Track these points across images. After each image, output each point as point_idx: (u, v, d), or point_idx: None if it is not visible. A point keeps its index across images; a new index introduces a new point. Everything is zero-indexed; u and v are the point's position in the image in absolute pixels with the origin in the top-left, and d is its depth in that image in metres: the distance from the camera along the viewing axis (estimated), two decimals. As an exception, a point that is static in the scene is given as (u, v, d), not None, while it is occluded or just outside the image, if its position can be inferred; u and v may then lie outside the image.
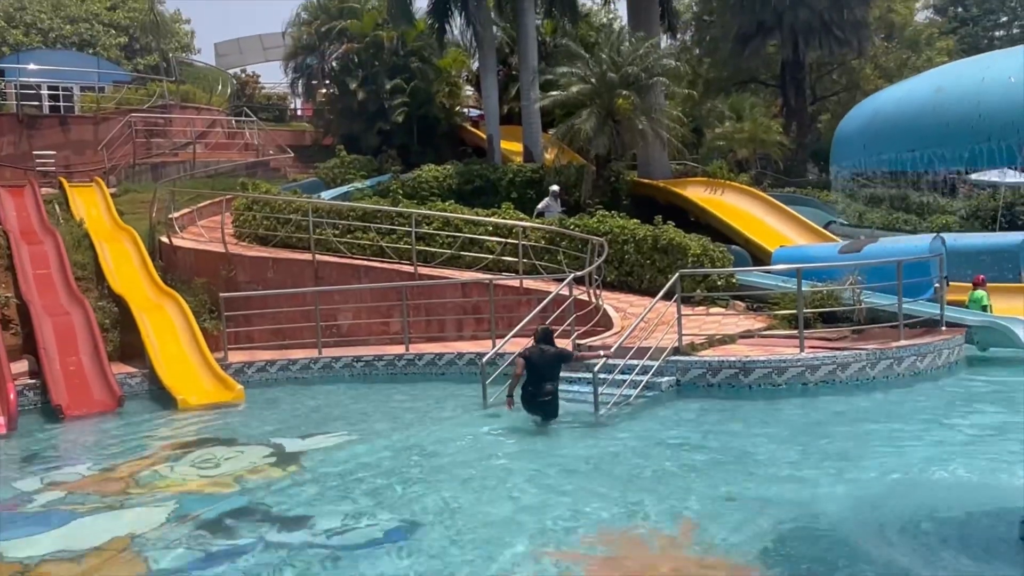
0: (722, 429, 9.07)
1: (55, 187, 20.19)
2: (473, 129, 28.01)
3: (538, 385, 9.52)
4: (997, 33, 47.77)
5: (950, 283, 13.41)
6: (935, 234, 14.61)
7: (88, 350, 13.07)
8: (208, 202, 19.04)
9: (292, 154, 25.80)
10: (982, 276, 13.87)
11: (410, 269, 15.16)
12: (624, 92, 19.01)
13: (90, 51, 35.22)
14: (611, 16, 33.87)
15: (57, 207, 18.57)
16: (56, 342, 13.13)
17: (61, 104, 26.43)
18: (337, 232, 16.17)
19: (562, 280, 12.92)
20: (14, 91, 24.86)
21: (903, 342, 11.13)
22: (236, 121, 27.85)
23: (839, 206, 22.45)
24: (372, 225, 16.09)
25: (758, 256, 17.18)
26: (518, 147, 23.82)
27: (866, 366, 10.60)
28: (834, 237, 18.46)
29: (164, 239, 16.91)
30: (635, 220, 16.08)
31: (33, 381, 12.53)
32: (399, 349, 13.63)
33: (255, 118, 27.58)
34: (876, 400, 9.99)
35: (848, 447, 8.13)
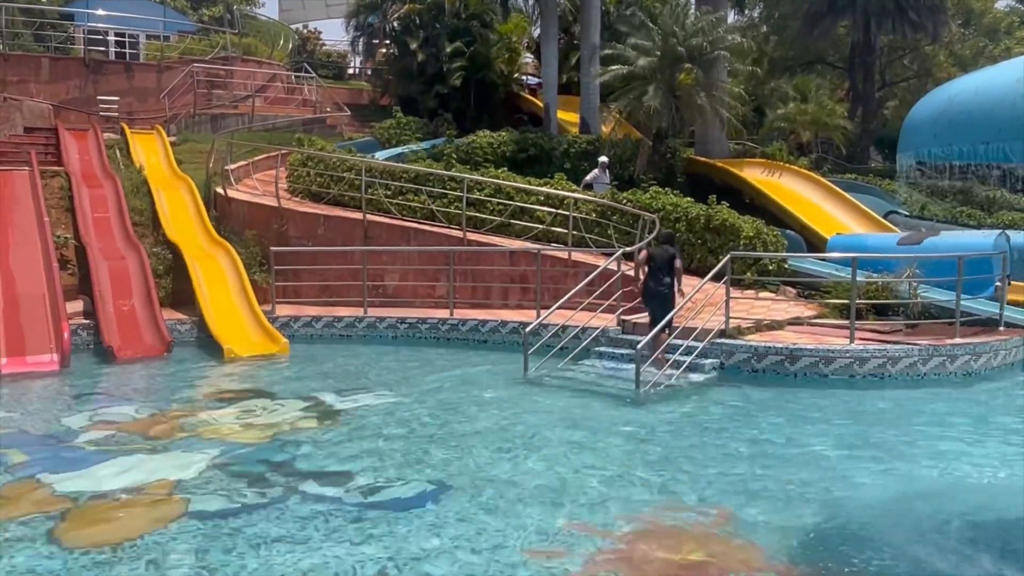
0: (764, 416, 8.94)
1: (117, 132, 20.54)
2: (530, 97, 27.77)
3: (657, 279, 10.83)
4: (1082, 25, 45.77)
5: (1012, 282, 12.99)
6: (1000, 231, 14.13)
7: (141, 295, 13.37)
8: (264, 156, 19.20)
9: (349, 112, 25.85)
10: None
11: (459, 234, 15.15)
12: (687, 66, 18.63)
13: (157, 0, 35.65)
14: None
15: (118, 152, 18.90)
16: (111, 285, 13.44)
17: (127, 51, 26.84)
18: (389, 193, 16.21)
19: (611, 255, 12.81)
20: (82, 36, 25.27)
21: (958, 340, 10.83)
22: (296, 77, 27.98)
23: (901, 196, 21.85)
24: (424, 188, 16.10)
25: (813, 243, 16.82)
26: (574, 117, 23.58)
27: (917, 362, 10.35)
28: (893, 228, 17.98)
29: (219, 190, 17.12)
30: (689, 198, 15.83)
31: (87, 322, 12.88)
32: (443, 313, 13.69)
33: (314, 75, 27.69)
34: (925, 397, 9.74)
35: (891, 443, 7.95)
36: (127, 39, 27.22)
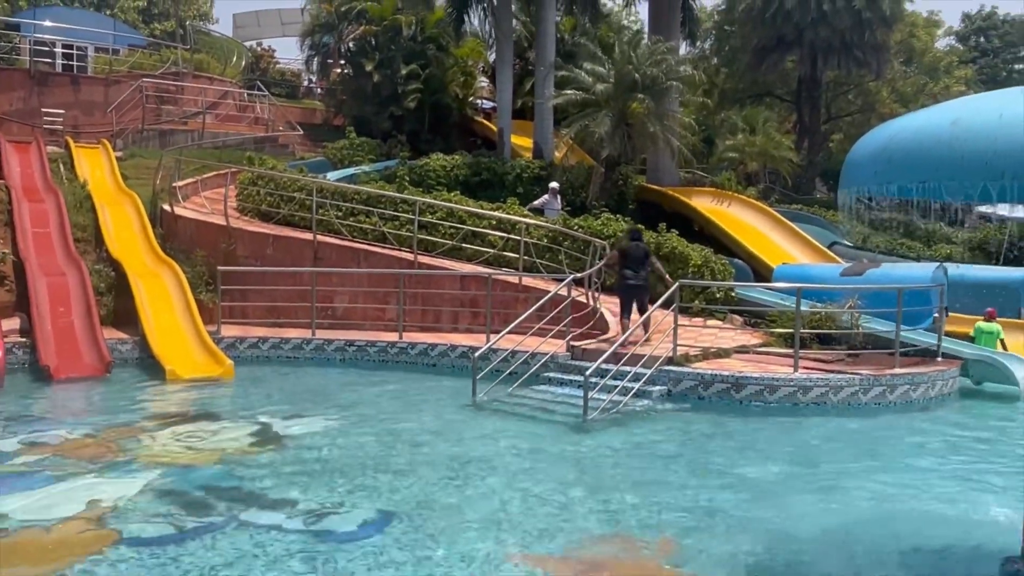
0: (709, 443, 9.03)
1: (61, 146, 20.08)
2: (484, 121, 27.91)
3: (633, 271, 11.98)
4: (1017, 66, 47.74)
5: (949, 314, 13.36)
6: (938, 263, 14.56)
7: (81, 313, 13.02)
8: (213, 173, 18.94)
9: (301, 132, 25.68)
10: (994, 309, 13.83)
11: (410, 257, 15.10)
12: (639, 95, 18.92)
13: (108, 12, 35.10)
14: (632, 19, 33.84)
15: (61, 166, 18.46)
16: (49, 302, 13.07)
17: (74, 63, 26.29)
18: (340, 214, 16.09)
19: (561, 280, 12.87)
20: (28, 46, 24.73)
21: (898, 370, 11.09)
22: (248, 94, 27.72)
23: (844, 227, 22.39)
24: (376, 210, 16.02)
25: (760, 271, 17.12)
26: (528, 142, 23.73)
27: (859, 391, 10.56)
28: (837, 258, 18.40)
29: (166, 207, 16.83)
30: (639, 226, 16.00)
31: (23, 340, 12.50)
32: (393, 336, 13.59)
33: (267, 93, 27.47)
34: (865, 426, 9.94)
35: (831, 471, 8.09)
36: (75, 51, 26.65)
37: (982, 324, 13.55)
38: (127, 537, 5.94)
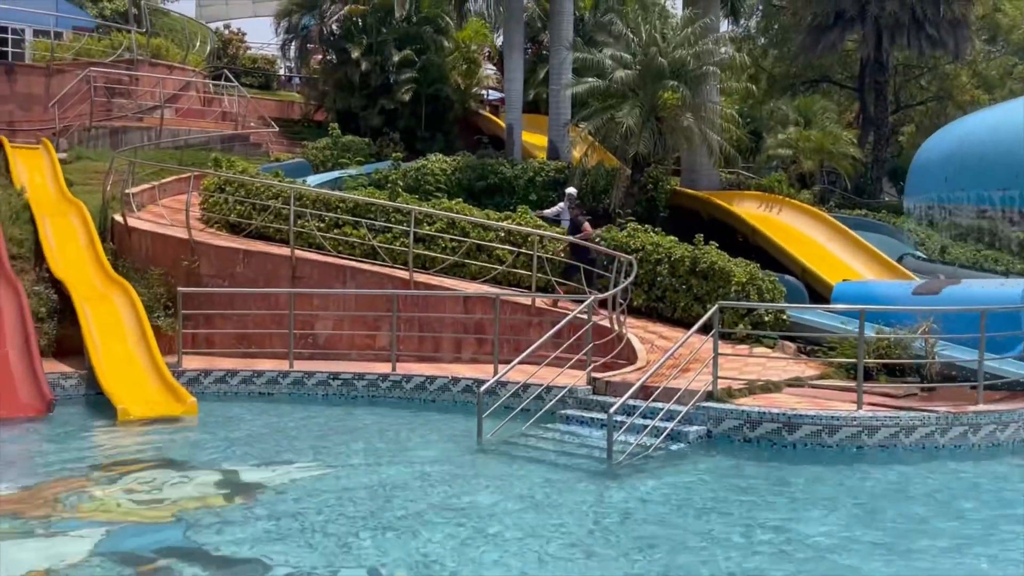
0: (756, 495, 9.02)
1: (-5, 147, 20.34)
2: (491, 116, 28.15)
3: None
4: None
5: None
6: (1029, 279, 14.53)
7: (17, 343, 13.13)
8: (173, 178, 19.15)
9: (277, 128, 25.91)
10: None
11: (405, 275, 15.21)
12: (671, 83, 19.00)
13: (50, -10, 35.54)
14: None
15: (-5, 170, 18.73)
16: (-19, 330, 13.21)
17: (9, 50, 26.60)
18: (322, 225, 16.23)
19: (581, 301, 12.93)
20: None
21: (981, 407, 11.07)
22: (214, 85, 27.99)
23: (917, 236, 22.38)
24: (364, 220, 16.15)
25: (816, 290, 17.12)
26: (542, 140, 23.88)
27: (935, 432, 10.54)
28: (909, 274, 18.37)
29: (118, 218, 17.01)
30: (672, 237, 16.10)
31: (-49, 374, 12.61)
32: (384, 368, 13.66)
33: (236, 83, 27.73)
34: (944, 475, 9.91)
35: (901, 530, 8.08)
36: (10, 35, 26.98)
37: None
38: (72, 607, 6.01)
